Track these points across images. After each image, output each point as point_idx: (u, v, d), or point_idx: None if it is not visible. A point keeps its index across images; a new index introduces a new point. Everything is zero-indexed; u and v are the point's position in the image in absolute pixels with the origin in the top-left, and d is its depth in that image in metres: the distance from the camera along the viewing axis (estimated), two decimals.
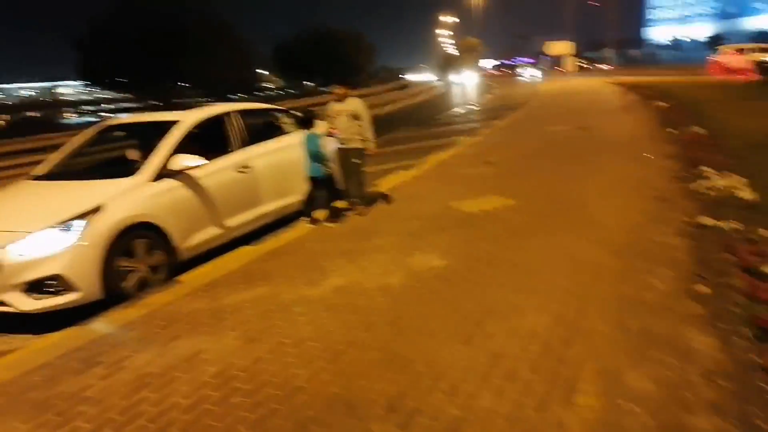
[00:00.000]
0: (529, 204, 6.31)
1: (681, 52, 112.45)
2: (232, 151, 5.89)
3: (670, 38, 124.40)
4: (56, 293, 4.19)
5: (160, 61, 26.57)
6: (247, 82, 36.07)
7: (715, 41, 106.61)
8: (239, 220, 5.78)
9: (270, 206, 6.15)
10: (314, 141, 6.00)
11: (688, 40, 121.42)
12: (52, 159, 5.92)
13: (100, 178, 5.04)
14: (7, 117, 35.77)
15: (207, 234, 5.42)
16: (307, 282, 4.51)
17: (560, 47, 44.51)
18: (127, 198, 4.75)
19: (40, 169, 5.73)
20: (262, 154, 6.07)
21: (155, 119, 6.06)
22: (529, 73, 42.76)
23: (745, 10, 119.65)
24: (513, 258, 4.65)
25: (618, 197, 6.29)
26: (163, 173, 5.06)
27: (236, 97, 35.34)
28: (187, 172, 5.19)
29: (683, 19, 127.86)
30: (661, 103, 16.49)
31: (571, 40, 46.60)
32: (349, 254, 5.11)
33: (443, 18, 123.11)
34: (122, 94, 33.00)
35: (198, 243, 5.31)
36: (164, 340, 3.63)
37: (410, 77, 76.41)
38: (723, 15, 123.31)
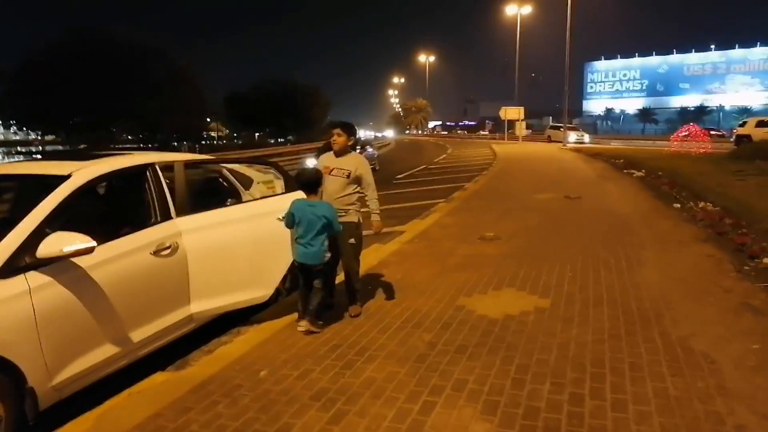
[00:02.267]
0: (572, 308, 4.58)
1: (613, 123, 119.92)
2: (154, 222, 3.91)
3: (604, 110, 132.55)
4: None
5: (98, 100, 23.89)
6: (195, 130, 33.66)
7: (644, 114, 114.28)
8: (152, 330, 3.74)
9: (206, 305, 4.12)
10: (325, 211, 4.13)
11: (618, 111, 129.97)
12: None
13: None
14: None
15: (96, 357, 3.34)
16: None
17: (514, 112, 45.06)
18: None
19: None
20: (200, 228, 4.08)
21: (29, 172, 3.99)
22: (574, 138, 38.23)
23: (672, 89, 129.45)
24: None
25: (691, 304, 4.65)
26: (26, 263, 3.02)
27: (178, 145, 32.78)
28: (72, 259, 3.17)
29: (616, 94, 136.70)
30: (636, 173, 15.67)
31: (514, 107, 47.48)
32: (328, 399, 3.16)
33: (394, 79, 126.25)
34: (48, 137, 29.67)
35: (78, 374, 3.22)
36: None
37: (360, 133, 76.56)
38: (651, 92, 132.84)
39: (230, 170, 4.99)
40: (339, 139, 4.52)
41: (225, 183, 4.93)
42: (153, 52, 25.77)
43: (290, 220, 4.11)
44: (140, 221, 3.91)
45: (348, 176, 4.49)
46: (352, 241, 4.56)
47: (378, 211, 4.58)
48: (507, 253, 6.60)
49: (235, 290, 4.20)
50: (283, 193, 4.83)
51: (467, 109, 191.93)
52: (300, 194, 4.25)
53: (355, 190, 4.55)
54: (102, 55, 23.01)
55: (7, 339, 2.82)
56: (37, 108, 23.17)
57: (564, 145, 34.56)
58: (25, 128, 26.60)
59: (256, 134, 45.04)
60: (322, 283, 4.22)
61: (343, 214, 4.49)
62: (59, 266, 3.13)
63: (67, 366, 3.15)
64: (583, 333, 4.03)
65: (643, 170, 15.74)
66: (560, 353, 3.69)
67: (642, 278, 5.38)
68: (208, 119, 37.74)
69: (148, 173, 4.03)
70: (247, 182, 5.03)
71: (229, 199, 4.83)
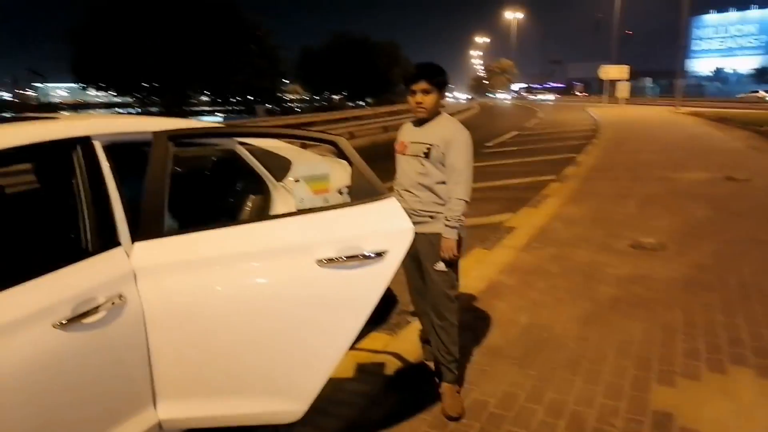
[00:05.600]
0: None
1: (725, 85, 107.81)
2: (80, 254, 1.95)
3: (713, 70, 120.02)
4: None
5: (172, 62, 22.77)
6: (267, 92, 32.14)
7: (762, 74, 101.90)
8: None
9: (186, 409, 2.11)
10: None
11: (731, 71, 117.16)
12: None
13: None
14: None
15: None
16: None
17: (615, 72, 40.09)
18: None
19: None
20: (176, 265, 2.03)
21: None
22: None
23: None
24: None
25: None
26: None
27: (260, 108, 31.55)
28: None
29: (727, 52, 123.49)
30: None
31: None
32: None
33: (477, 39, 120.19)
34: (119, 98, 29.13)
35: None
36: None
37: None
38: None
39: (253, 150, 2.88)
40: (426, 98, 2.48)
41: (241, 174, 2.88)
42: (222, 8, 24.25)
43: None
44: (51, 254, 1.98)
45: (426, 154, 2.47)
46: (439, 267, 2.49)
47: (456, 223, 2.44)
48: (689, 276, 4.21)
49: (239, 392, 2.13)
50: (343, 206, 2.16)
51: (554, 71, 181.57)
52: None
53: (435, 180, 2.51)
54: (166, 11, 21.78)
55: None
56: (106, 69, 22.52)
57: (676, 109, 30.19)
58: (102, 90, 25.92)
59: (335, 96, 43.18)
60: None
61: (425, 219, 2.51)
62: None
63: None
64: None
65: None
66: None
67: None
68: (285, 81, 36.21)
69: (74, 157, 2.06)
70: (283, 169, 2.95)
71: (249, 201, 2.82)
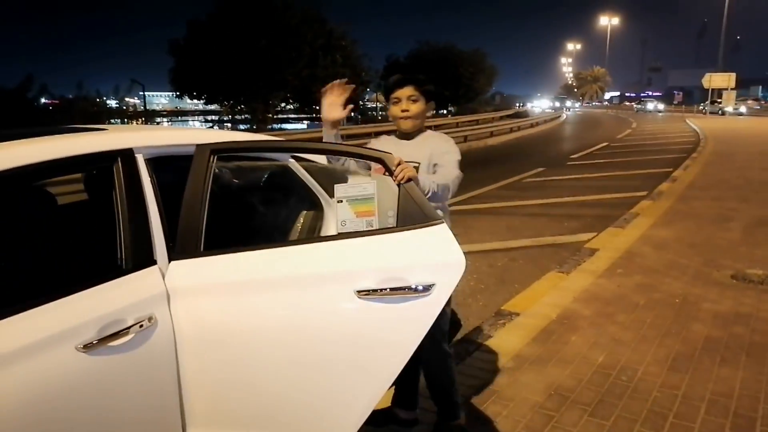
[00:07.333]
0: None
1: None
2: (111, 272, 1.87)
3: None
4: None
5: (260, 71, 23.65)
6: (353, 100, 32.53)
7: None
8: None
9: None
10: None
11: None
12: None
13: None
14: None
15: None
16: None
17: (721, 80, 36.88)
18: None
19: None
20: (215, 287, 1.91)
21: None
22: None
23: None
24: None
25: None
26: None
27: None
28: None
29: None
30: None
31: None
32: None
33: (569, 46, 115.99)
34: (210, 106, 30.60)
35: None
36: None
37: (528, 105, 71.47)
38: None
39: (307, 166, 2.69)
40: (413, 106, 2.24)
41: (293, 189, 2.73)
42: (311, 20, 24.85)
43: None
44: (84, 271, 1.92)
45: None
46: None
47: (436, 183, 2.06)
48: None
49: (270, 428, 1.98)
50: (388, 231, 1.95)
51: (652, 79, 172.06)
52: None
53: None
54: (259, 22, 22.58)
55: None
56: (198, 79, 23.73)
57: None
58: (195, 99, 27.43)
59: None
60: None
61: None
62: None
63: None
64: None
65: None
66: None
67: None
68: (368, 89, 36.58)
69: (114, 170, 2.00)
70: (341, 179, 2.76)
71: (299, 219, 2.68)
